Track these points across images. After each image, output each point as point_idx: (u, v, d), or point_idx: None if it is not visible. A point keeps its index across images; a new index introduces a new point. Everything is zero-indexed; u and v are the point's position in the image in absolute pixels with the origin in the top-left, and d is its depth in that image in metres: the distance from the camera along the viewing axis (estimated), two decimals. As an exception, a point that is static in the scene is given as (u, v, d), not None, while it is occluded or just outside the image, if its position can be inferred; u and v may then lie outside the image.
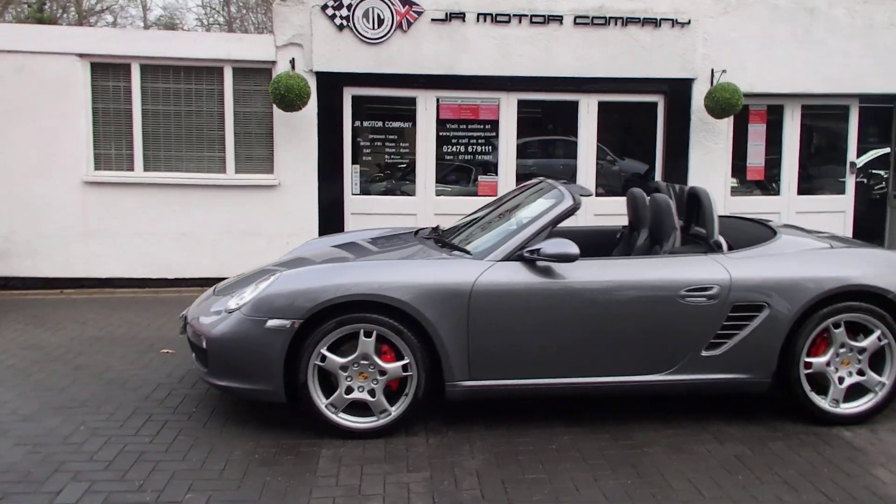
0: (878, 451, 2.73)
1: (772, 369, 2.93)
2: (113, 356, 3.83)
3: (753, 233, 3.34)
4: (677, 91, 5.81)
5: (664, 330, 2.88)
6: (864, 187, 7.52)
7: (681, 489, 2.44)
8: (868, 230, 6.68)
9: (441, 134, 5.73)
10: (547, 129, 6.11)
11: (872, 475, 2.54)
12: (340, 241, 3.79)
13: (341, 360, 2.78)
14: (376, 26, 5.42)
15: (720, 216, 3.59)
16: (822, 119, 6.33)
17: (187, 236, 5.53)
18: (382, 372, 2.79)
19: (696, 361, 2.91)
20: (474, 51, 5.53)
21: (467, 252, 3.03)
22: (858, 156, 6.94)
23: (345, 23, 5.40)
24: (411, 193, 5.75)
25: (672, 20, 5.68)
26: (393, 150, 5.76)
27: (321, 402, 2.80)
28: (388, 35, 5.44)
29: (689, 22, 5.70)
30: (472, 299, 2.80)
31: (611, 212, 5.43)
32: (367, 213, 5.64)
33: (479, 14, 5.51)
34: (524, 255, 2.88)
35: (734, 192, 6.14)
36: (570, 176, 5.87)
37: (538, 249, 2.85)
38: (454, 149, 5.79)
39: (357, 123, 5.68)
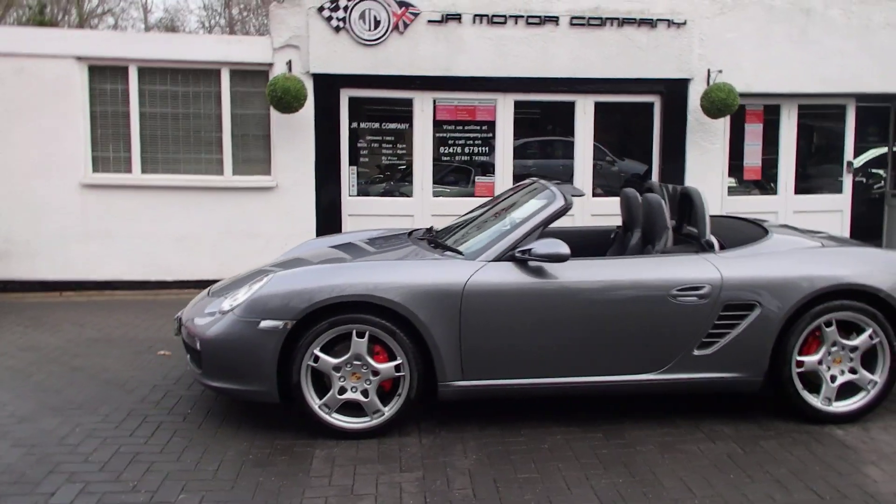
0: (870, 450, 2.73)
1: (764, 368, 2.94)
2: (110, 358, 3.86)
3: (746, 232, 3.35)
4: (674, 91, 5.82)
5: (656, 329, 2.89)
6: (863, 186, 7.52)
7: (672, 488, 2.45)
8: (867, 229, 6.68)
9: (438, 135, 5.75)
10: (544, 129, 6.12)
11: (863, 473, 2.54)
12: (337, 241, 3.81)
13: (334, 361, 2.79)
14: (373, 28, 5.44)
15: (713, 216, 3.61)
16: (819, 119, 6.33)
17: (186, 238, 5.56)
18: (375, 372, 2.81)
19: (687, 361, 2.92)
20: (471, 52, 5.55)
21: (459, 253, 3.04)
22: (857, 155, 6.94)
23: (341, 24, 5.43)
24: (409, 194, 5.77)
25: (668, 21, 5.69)
26: (390, 151, 5.78)
27: (314, 402, 2.81)
28: (385, 37, 5.46)
29: (685, 22, 5.71)
30: (464, 299, 2.81)
31: (609, 212, 5.44)
32: (365, 214, 5.66)
33: (475, 15, 5.53)
34: (516, 256, 2.89)
35: (732, 191, 6.14)
36: (567, 176, 5.88)
37: (529, 249, 2.86)
38: (451, 150, 5.81)
39: (354, 125, 5.70)
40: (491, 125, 5.78)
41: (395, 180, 5.83)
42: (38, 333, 4.38)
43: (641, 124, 5.99)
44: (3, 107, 5.34)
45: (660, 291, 2.89)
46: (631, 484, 2.48)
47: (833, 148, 6.31)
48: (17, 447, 2.73)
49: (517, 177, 5.68)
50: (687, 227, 3.45)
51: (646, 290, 2.90)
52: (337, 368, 2.80)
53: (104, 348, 4.04)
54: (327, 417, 2.82)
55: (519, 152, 5.88)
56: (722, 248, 3.11)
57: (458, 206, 5.16)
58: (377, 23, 5.44)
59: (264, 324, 2.76)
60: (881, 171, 7.26)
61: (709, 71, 5.75)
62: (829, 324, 2.94)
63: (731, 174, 6.15)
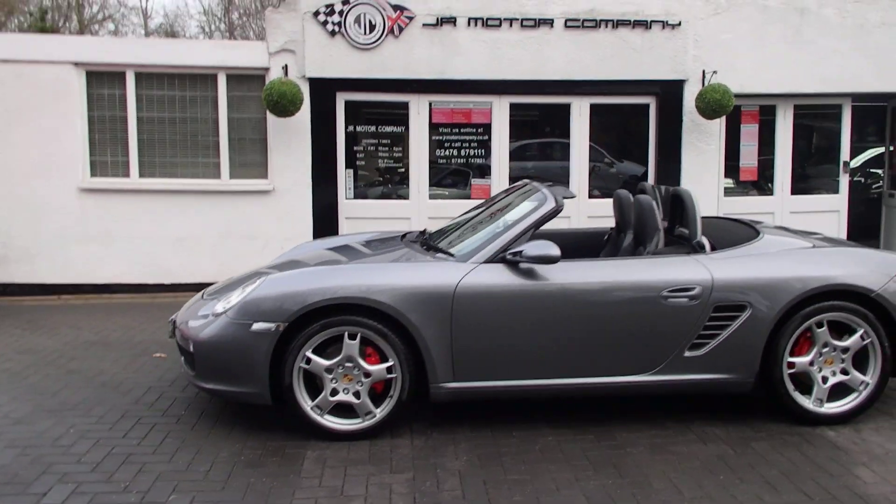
0: (861, 451, 2.73)
1: (755, 369, 2.94)
2: (106, 360, 3.88)
3: (738, 233, 3.35)
4: (669, 93, 5.83)
5: (647, 331, 2.90)
6: (861, 186, 7.51)
7: (661, 489, 2.46)
8: (866, 229, 6.67)
9: (434, 138, 5.78)
10: (540, 131, 6.14)
11: (854, 475, 2.54)
12: (333, 243, 3.84)
13: (326, 363, 2.81)
14: (368, 32, 5.47)
15: (707, 217, 3.62)
16: (815, 119, 6.33)
17: (183, 241, 5.59)
18: (367, 374, 2.82)
19: (679, 362, 2.92)
20: (466, 55, 5.58)
21: (451, 255, 3.06)
22: (855, 155, 6.94)
23: (337, 29, 5.46)
24: (405, 197, 5.79)
25: (663, 22, 5.71)
26: (386, 154, 5.80)
27: (306, 404, 2.83)
28: (380, 40, 5.49)
29: (679, 24, 5.73)
30: (456, 301, 2.82)
31: (606, 214, 5.43)
32: (362, 217, 5.69)
33: (469, 18, 5.55)
34: (507, 258, 2.91)
35: (729, 192, 6.15)
36: (564, 178, 5.89)
37: (520, 251, 2.87)
38: (447, 152, 5.83)
39: (350, 128, 5.73)
40: (487, 128, 5.80)
41: (391, 183, 5.86)
42: (36, 336, 4.40)
43: (637, 126, 6.01)
44: (3, 112, 5.39)
45: (650, 293, 2.90)
46: (620, 485, 2.48)
47: (829, 148, 6.31)
48: (11, 448, 2.76)
49: (514, 179, 5.69)
50: (679, 228, 3.46)
51: (636, 292, 2.90)
52: (329, 370, 2.81)
53: (101, 351, 4.06)
54: (319, 419, 2.84)
55: (515, 154, 5.90)
56: (713, 249, 3.12)
57: (454, 209, 5.16)
58: (372, 27, 5.47)
59: (256, 326, 2.78)
60: (880, 171, 7.25)
61: (703, 72, 5.76)
62: (820, 324, 2.94)
63: (727, 175, 6.16)
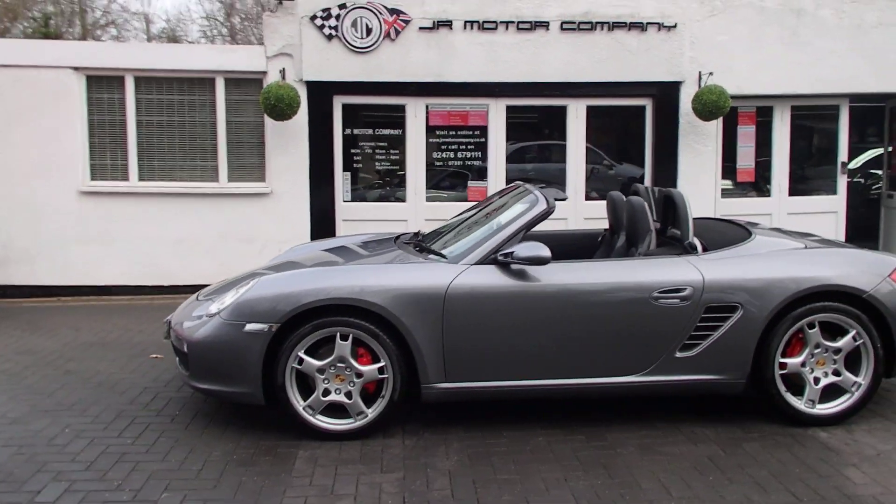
0: (852, 452, 2.73)
1: (746, 370, 2.94)
2: (104, 361, 3.92)
3: (730, 234, 3.36)
4: (665, 94, 5.84)
5: (638, 331, 2.91)
6: (861, 187, 7.49)
7: (650, 489, 2.46)
8: (866, 230, 6.66)
9: (431, 140, 5.80)
10: (536, 133, 6.16)
11: (844, 476, 2.54)
12: (330, 244, 3.86)
13: (318, 363, 2.83)
14: (365, 35, 5.51)
15: (700, 218, 3.62)
16: (813, 120, 6.33)
17: (182, 244, 5.63)
18: (359, 374, 2.84)
19: (670, 363, 2.93)
20: (462, 58, 5.60)
21: (443, 256, 3.07)
22: (854, 156, 6.92)
23: (333, 32, 5.50)
24: (402, 199, 5.82)
25: (658, 24, 5.72)
26: (383, 156, 5.83)
27: (299, 404, 2.85)
28: (377, 44, 5.53)
29: (675, 25, 5.74)
30: (447, 302, 2.84)
31: (604, 215, 5.44)
32: (359, 219, 5.72)
33: (466, 21, 5.58)
34: (498, 259, 2.92)
35: (727, 193, 6.14)
36: (561, 180, 5.91)
37: (511, 253, 2.89)
38: (444, 155, 5.85)
39: (348, 131, 5.76)
40: (483, 130, 5.83)
41: (388, 186, 5.89)
42: (35, 337, 4.44)
43: (634, 127, 6.02)
44: (4, 115, 5.45)
45: (641, 293, 2.91)
46: (609, 485, 2.49)
47: (827, 149, 6.30)
48: (7, 447, 2.79)
49: (511, 181, 5.68)
50: (671, 229, 3.47)
51: (627, 293, 2.91)
52: (321, 370, 2.83)
53: (99, 352, 4.10)
54: (311, 419, 2.86)
55: (513, 157, 5.91)
56: (705, 250, 3.12)
57: (451, 211, 5.17)
58: (369, 30, 5.51)
59: (249, 327, 2.80)
60: (880, 172, 7.24)
61: (700, 73, 5.77)
62: (811, 325, 2.94)
63: (725, 177, 6.16)
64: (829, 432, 2.90)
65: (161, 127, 5.63)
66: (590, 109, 5.87)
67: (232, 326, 2.84)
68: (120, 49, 6.67)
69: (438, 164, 5.87)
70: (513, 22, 5.62)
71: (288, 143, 5.61)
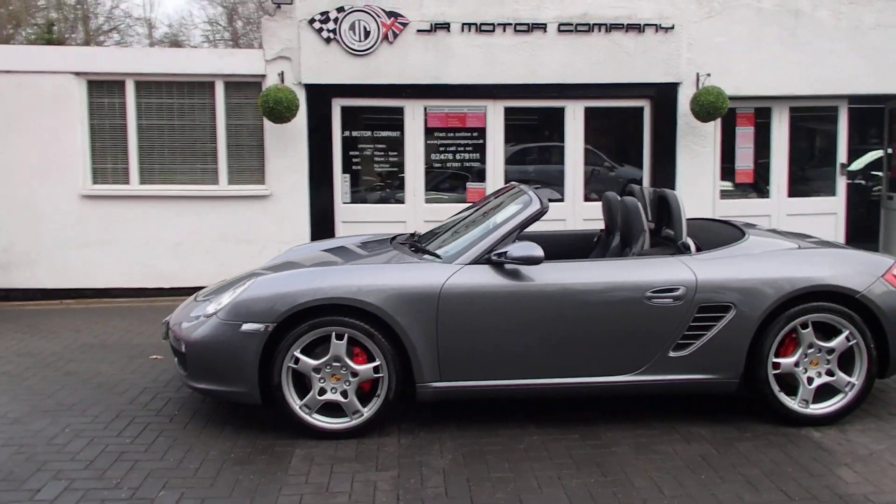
0: (845, 452, 2.74)
1: (739, 370, 2.95)
2: (104, 362, 3.95)
3: (724, 235, 3.37)
4: (663, 96, 5.86)
5: (631, 331, 2.92)
6: (862, 189, 7.48)
7: (642, 487, 2.48)
8: (867, 232, 6.64)
9: (429, 142, 5.84)
10: (535, 135, 6.19)
11: (836, 475, 2.55)
12: (329, 245, 3.89)
13: (314, 363, 2.86)
14: (363, 38, 5.55)
15: (695, 219, 3.64)
16: (812, 121, 6.33)
17: (182, 246, 5.67)
18: (354, 374, 2.87)
19: (663, 362, 2.94)
20: (460, 60, 5.64)
21: (437, 256, 3.10)
22: (858, 157, 6.91)
23: (332, 36, 5.55)
24: (401, 201, 5.85)
25: (656, 25, 5.74)
26: (382, 158, 5.87)
27: (295, 403, 2.88)
28: (375, 47, 5.57)
29: (672, 27, 5.76)
30: (441, 302, 2.87)
31: (602, 216, 5.46)
32: (358, 221, 5.75)
33: (463, 24, 5.62)
34: (492, 259, 2.95)
35: (726, 195, 6.15)
36: (560, 181, 5.92)
37: (505, 252, 2.91)
38: (443, 157, 5.88)
39: (346, 133, 5.80)
40: (482, 132, 5.86)
41: (387, 187, 5.92)
42: (36, 340, 4.49)
43: (632, 129, 6.03)
44: (6, 120, 5.50)
45: (635, 293, 2.92)
46: (602, 484, 2.50)
47: (827, 150, 6.30)
48: (7, 447, 2.82)
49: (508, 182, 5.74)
50: (665, 229, 3.49)
51: (621, 292, 2.93)
52: (317, 370, 2.86)
53: (99, 353, 4.14)
54: (308, 418, 2.88)
55: (513, 158, 5.94)
56: (699, 250, 3.14)
57: (450, 213, 5.15)
58: (367, 33, 5.55)
59: (246, 326, 2.84)
60: (881, 174, 7.23)
61: (698, 75, 5.79)
62: (805, 325, 2.95)
63: (724, 178, 6.16)
64: (822, 432, 2.91)
65: (161, 130, 5.68)
66: (588, 111, 5.90)
67: (229, 326, 2.87)
68: (120, 54, 6.72)
69: (437, 165, 5.90)
70: (510, 24, 5.65)
71: (287, 146, 5.65)
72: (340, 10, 5.53)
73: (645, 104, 5.95)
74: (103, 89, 5.62)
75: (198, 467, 2.65)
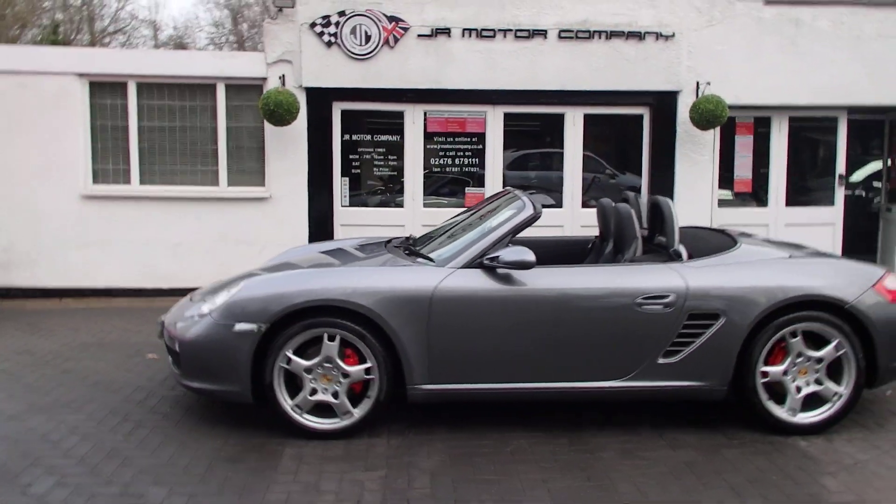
0: (830, 461, 2.75)
1: (728, 377, 2.97)
2: (101, 361, 4.00)
3: (716, 243, 3.39)
4: (662, 103, 5.89)
5: (621, 337, 2.94)
6: (863, 200, 7.46)
7: (626, 492, 2.50)
8: (866, 243, 6.63)
9: (429, 147, 5.87)
10: (534, 141, 6.22)
11: (820, 484, 2.56)
12: (327, 247, 3.93)
13: (306, 363, 2.89)
14: (364, 42, 5.61)
15: (689, 227, 3.66)
16: (811, 131, 6.33)
17: (182, 247, 5.72)
18: (345, 375, 2.90)
19: (652, 368, 2.96)
20: (460, 65, 5.68)
21: (431, 260, 3.13)
22: (858, 168, 6.89)
23: (333, 39, 5.60)
24: (400, 205, 5.89)
25: (656, 33, 5.77)
26: (381, 162, 5.91)
27: (286, 403, 2.91)
28: (376, 51, 5.62)
29: (673, 35, 5.79)
30: (433, 305, 2.90)
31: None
32: (357, 224, 5.78)
33: (464, 29, 5.66)
34: (484, 263, 2.98)
35: (724, 203, 6.15)
36: (560, 187, 5.95)
37: (497, 257, 2.94)
38: (442, 161, 5.92)
39: (346, 137, 5.84)
40: (481, 137, 5.89)
41: (386, 191, 5.96)
42: (35, 338, 4.54)
43: (630, 136, 6.06)
44: (6, 122, 5.57)
45: (625, 299, 2.94)
46: (586, 488, 2.52)
47: (826, 161, 6.30)
48: (2, 442, 2.86)
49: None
50: (658, 237, 3.51)
51: (611, 298, 2.96)
52: (308, 370, 2.89)
53: (96, 352, 4.18)
54: (299, 418, 2.91)
55: (513, 164, 5.97)
56: (691, 257, 3.16)
57: (447, 217, 5.23)
58: (368, 37, 5.60)
59: (239, 327, 2.87)
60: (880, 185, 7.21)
61: (697, 83, 5.81)
62: (794, 334, 2.96)
63: (723, 186, 6.17)
64: (808, 441, 2.92)
65: (163, 132, 5.74)
66: (587, 117, 5.93)
67: (222, 326, 2.91)
68: (123, 55, 6.81)
69: (436, 170, 5.93)
70: (510, 30, 5.69)
71: (287, 149, 5.70)
72: (342, 14, 5.58)
73: (644, 112, 5.98)
74: (105, 90, 5.68)
75: (188, 464, 2.68)
